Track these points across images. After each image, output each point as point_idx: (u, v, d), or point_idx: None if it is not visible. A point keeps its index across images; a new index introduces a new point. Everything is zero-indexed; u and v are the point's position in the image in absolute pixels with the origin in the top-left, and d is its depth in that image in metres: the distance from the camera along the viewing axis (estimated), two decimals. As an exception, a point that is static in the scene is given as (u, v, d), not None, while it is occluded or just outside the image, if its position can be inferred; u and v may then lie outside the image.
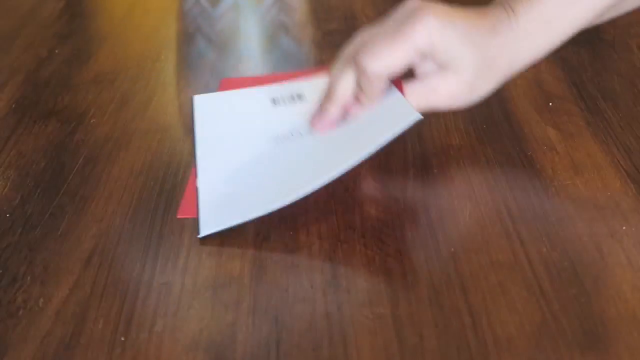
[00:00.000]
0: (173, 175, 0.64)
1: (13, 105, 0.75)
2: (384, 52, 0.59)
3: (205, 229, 0.57)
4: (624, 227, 0.56)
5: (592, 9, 0.59)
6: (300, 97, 0.70)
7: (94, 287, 0.53)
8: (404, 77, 0.61)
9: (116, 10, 0.99)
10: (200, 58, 0.86)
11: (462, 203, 0.59)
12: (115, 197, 0.61)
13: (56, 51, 0.86)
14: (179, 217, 0.59)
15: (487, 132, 0.67)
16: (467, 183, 0.61)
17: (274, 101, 0.71)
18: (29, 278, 0.54)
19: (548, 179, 0.61)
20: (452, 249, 0.54)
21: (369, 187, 0.62)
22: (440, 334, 0.48)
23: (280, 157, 0.64)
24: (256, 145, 0.66)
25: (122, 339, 0.49)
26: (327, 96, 0.63)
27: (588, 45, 0.81)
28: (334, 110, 0.63)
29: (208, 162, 0.66)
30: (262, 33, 0.94)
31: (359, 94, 0.61)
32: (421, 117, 0.57)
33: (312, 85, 0.70)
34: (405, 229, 0.57)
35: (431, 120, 0.67)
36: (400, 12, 0.60)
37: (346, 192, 0.61)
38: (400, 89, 0.61)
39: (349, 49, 0.63)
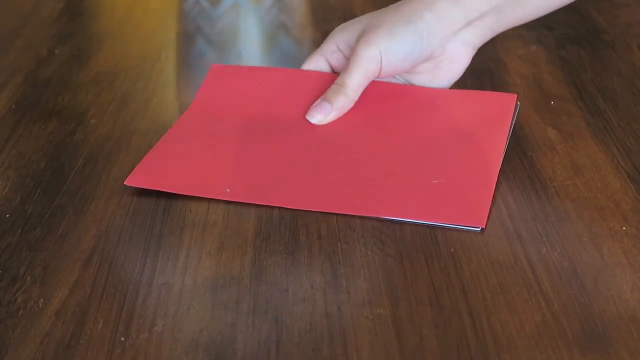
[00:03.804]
0: (173, 175, 0.64)
1: (13, 106, 0.75)
2: None
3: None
4: (624, 227, 0.56)
5: None
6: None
7: (93, 287, 0.53)
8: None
9: (116, 10, 0.99)
10: (200, 58, 0.86)
11: (462, 203, 0.59)
12: (115, 197, 0.61)
13: (56, 51, 0.86)
14: (125, 183, 0.61)
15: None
16: (467, 183, 0.61)
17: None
18: (29, 278, 0.54)
19: (548, 179, 0.61)
20: (452, 249, 0.54)
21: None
22: (440, 334, 0.48)
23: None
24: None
25: (122, 339, 0.49)
26: (342, 91, 0.67)
27: (588, 45, 0.81)
28: (348, 105, 0.67)
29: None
30: (262, 33, 0.94)
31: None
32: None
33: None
34: (405, 229, 0.57)
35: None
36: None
37: (346, 192, 0.61)
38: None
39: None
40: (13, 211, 0.60)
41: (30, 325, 0.50)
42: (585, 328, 0.48)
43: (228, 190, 0.60)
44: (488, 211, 0.57)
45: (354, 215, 0.58)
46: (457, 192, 0.59)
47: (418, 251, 0.54)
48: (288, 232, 0.57)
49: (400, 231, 0.56)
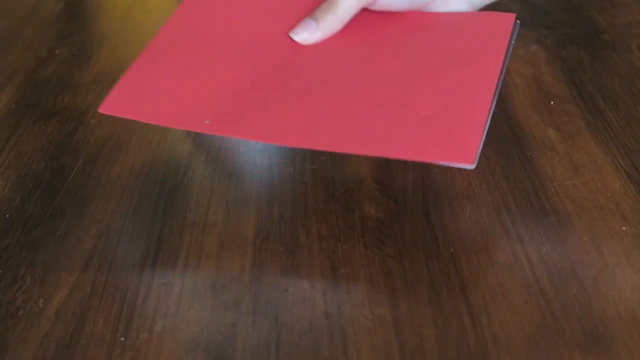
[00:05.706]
0: (173, 176, 0.64)
1: (13, 106, 0.75)
2: None
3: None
4: (624, 227, 0.56)
5: None
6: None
7: (93, 287, 0.53)
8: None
9: (116, 10, 0.99)
10: (200, 58, 0.86)
11: (462, 203, 0.59)
12: (115, 197, 0.61)
13: (56, 51, 0.86)
14: (99, 111, 0.58)
15: (487, 133, 0.67)
16: (467, 183, 0.61)
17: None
18: (28, 278, 0.54)
19: (548, 179, 0.61)
20: (452, 249, 0.54)
21: (369, 187, 0.62)
22: (440, 334, 0.48)
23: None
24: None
25: (122, 339, 0.49)
26: (331, 10, 0.62)
27: (588, 45, 0.81)
28: (336, 26, 0.63)
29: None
30: (262, 33, 0.93)
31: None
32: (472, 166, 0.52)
33: None
34: (405, 229, 0.57)
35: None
36: None
37: (346, 192, 0.61)
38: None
39: None
40: (13, 211, 0.60)
41: (30, 326, 0.50)
42: (585, 328, 0.48)
43: (206, 122, 0.56)
44: (478, 147, 0.52)
45: (354, 215, 0.58)
46: (447, 125, 0.54)
47: (418, 251, 0.54)
48: (288, 232, 0.57)
49: (400, 231, 0.56)
